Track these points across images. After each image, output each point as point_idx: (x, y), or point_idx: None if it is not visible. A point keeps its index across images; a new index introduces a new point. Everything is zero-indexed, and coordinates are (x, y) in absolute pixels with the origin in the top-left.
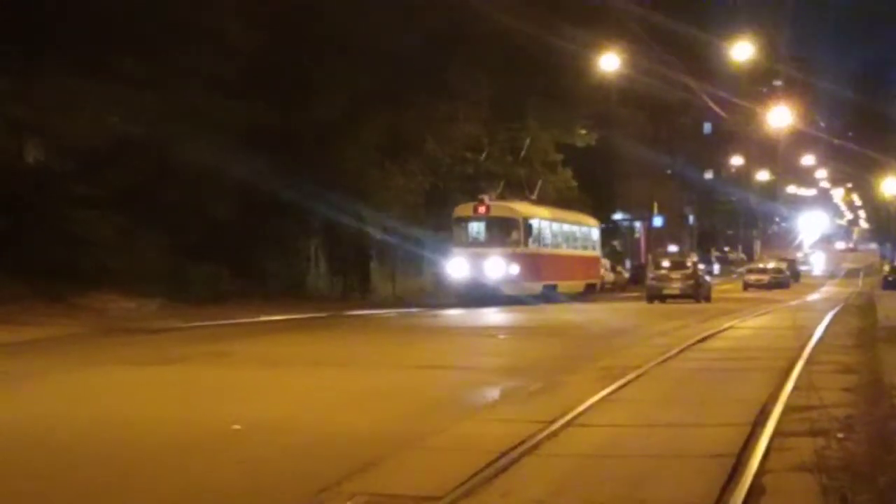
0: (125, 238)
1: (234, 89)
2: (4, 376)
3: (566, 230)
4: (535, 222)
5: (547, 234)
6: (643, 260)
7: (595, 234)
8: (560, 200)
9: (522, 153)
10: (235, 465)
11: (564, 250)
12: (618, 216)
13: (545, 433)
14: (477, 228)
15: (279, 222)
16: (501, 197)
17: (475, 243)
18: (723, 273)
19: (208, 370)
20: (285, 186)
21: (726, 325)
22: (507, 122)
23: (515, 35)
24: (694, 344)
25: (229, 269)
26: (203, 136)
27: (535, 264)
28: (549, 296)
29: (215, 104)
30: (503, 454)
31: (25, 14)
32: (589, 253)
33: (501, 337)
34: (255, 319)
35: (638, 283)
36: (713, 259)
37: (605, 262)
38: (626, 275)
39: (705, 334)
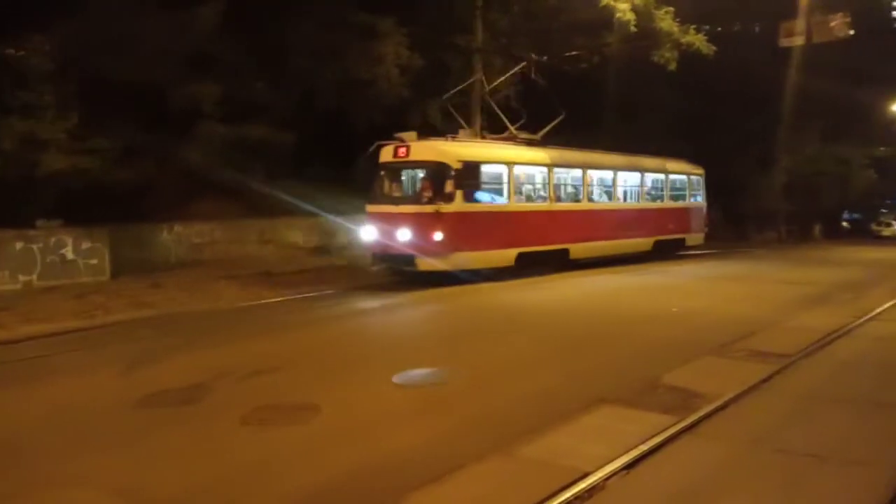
0: None
1: (668, 131)
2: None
3: (605, 177)
4: (491, 168)
5: (536, 183)
6: None
7: (686, 180)
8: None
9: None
10: (677, 328)
11: (595, 204)
12: None
13: (854, 324)
14: (397, 178)
15: None
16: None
17: (391, 199)
18: None
19: (658, 278)
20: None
21: None
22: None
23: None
24: None
25: None
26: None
27: (491, 226)
28: (531, 268)
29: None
30: (828, 334)
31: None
32: (667, 205)
33: (826, 269)
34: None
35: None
36: None
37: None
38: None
39: None
